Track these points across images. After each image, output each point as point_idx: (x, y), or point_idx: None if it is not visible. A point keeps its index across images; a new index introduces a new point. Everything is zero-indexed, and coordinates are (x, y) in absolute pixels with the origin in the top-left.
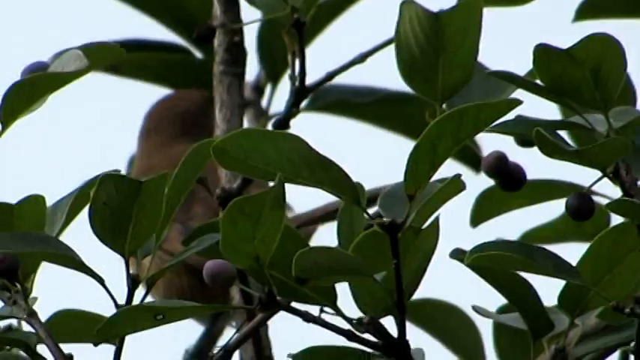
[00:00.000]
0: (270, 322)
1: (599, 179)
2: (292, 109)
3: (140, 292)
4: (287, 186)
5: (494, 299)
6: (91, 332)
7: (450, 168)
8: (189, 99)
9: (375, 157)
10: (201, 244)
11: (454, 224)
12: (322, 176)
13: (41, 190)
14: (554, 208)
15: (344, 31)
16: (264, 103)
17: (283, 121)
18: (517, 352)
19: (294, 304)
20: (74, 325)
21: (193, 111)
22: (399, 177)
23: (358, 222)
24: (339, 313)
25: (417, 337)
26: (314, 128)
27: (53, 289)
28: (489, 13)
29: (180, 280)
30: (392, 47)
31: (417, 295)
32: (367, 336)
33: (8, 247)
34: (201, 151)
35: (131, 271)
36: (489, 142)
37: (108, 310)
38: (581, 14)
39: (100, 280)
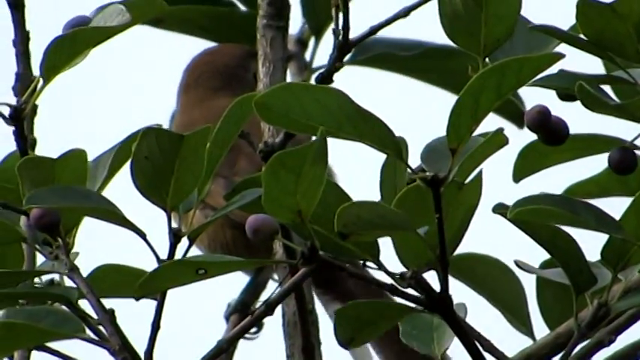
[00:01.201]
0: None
1: None
2: (335, 63)
3: (183, 246)
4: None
5: (537, 254)
6: (133, 287)
7: (493, 124)
8: (230, 53)
9: (417, 111)
10: (243, 198)
11: (497, 179)
12: (365, 130)
13: (83, 145)
14: (597, 163)
15: None
16: (307, 56)
17: (326, 76)
18: (560, 306)
19: (336, 259)
20: (116, 279)
21: (233, 65)
22: (442, 132)
23: (401, 176)
24: (381, 267)
25: (459, 291)
26: (357, 82)
27: (95, 245)
28: None
29: (224, 235)
30: (435, 1)
31: (460, 249)
32: (410, 290)
33: (50, 201)
34: (243, 105)
35: (173, 226)
36: (532, 97)
37: (150, 265)
38: None
39: (142, 235)
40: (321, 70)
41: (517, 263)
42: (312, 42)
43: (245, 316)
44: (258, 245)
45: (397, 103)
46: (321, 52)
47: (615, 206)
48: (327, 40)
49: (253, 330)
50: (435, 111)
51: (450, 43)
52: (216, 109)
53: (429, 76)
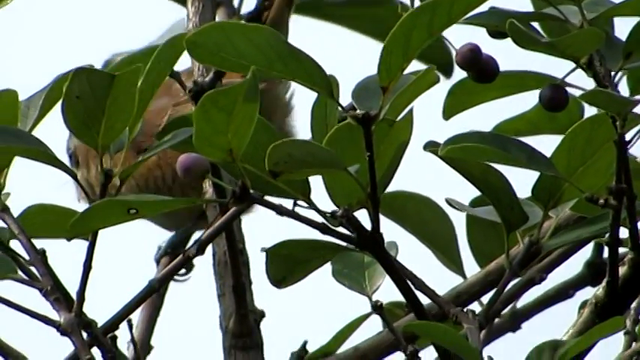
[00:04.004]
0: (243, 217)
1: (573, 70)
2: (264, 3)
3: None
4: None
5: (468, 192)
6: (65, 227)
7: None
8: None
9: (346, 59)
10: (174, 137)
11: (427, 117)
12: (296, 68)
13: (14, 86)
14: (527, 100)
15: None
16: (235, 2)
17: (255, 15)
18: (490, 244)
19: (267, 198)
20: (47, 220)
21: None
22: (372, 72)
23: (332, 115)
24: (312, 206)
25: (390, 230)
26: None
27: (26, 185)
28: None
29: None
30: None
31: (391, 188)
32: (341, 229)
33: None
34: (174, 44)
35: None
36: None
37: (81, 206)
38: None
39: (73, 175)
40: (249, 11)
41: (448, 201)
42: None
43: (175, 258)
44: (190, 184)
45: (326, 51)
46: None
47: (545, 144)
48: None
49: (184, 271)
50: (363, 59)
51: None
52: None
53: (357, 24)
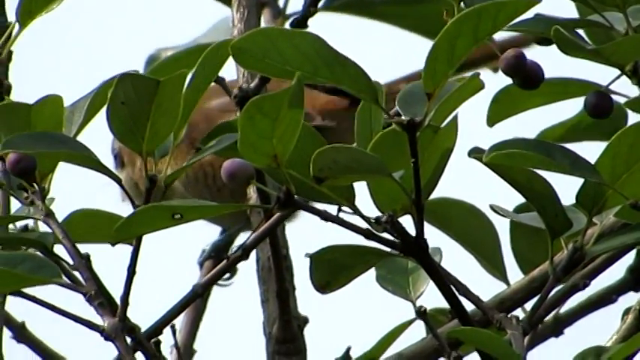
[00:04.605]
0: (287, 223)
1: (618, 77)
2: (309, 9)
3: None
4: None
5: (512, 198)
6: (109, 232)
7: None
8: None
9: (393, 57)
10: (219, 143)
11: (472, 124)
12: (341, 74)
13: (59, 91)
14: (571, 107)
15: None
16: (281, 3)
17: (301, 20)
18: (534, 251)
19: (311, 204)
20: (91, 225)
21: None
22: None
23: (377, 121)
24: (357, 212)
25: (435, 236)
26: (331, 29)
27: (71, 190)
28: None
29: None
30: None
31: (435, 194)
32: (385, 235)
33: (25, 147)
34: (219, 50)
35: (150, 171)
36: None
37: (126, 212)
38: None
39: (118, 180)
40: (296, 16)
41: (492, 207)
42: None
43: (219, 262)
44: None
45: (372, 50)
46: None
47: (589, 151)
48: None
49: (227, 276)
50: (409, 57)
51: None
52: None
53: (403, 22)
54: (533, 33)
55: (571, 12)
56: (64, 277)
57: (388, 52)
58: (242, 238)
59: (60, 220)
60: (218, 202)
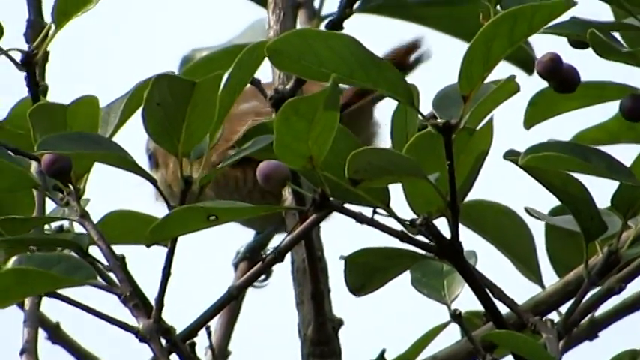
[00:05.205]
0: (322, 224)
1: None
2: (345, 10)
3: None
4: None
5: (548, 201)
6: (144, 233)
7: (504, 71)
8: None
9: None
10: (255, 144)
11: (508, 126)
12: (377, 77)
13: (95, 92)
14: (607, 110)
15: None
16: (316, 4)
17: (337, 22)
18: (569, 254)
19: (346, 206)
20: (127, 226)
21: None
22: (453, 79)
23: (412, 123)
24: (392, 214)
25: (469, 239)
26: (367, 30)
27: (106, 191)
28: None
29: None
30: None
31: (470, 196)
32: (420, 237)
33: (61, 147)
34: (255, 51)
35: (185, 173)
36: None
37: (161, 212)
38: None
39: (153, 181)
40: (331, 18)
41: (527, 210)
42: None
43: (253, 263)
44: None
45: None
46: (330, 0)
47: (625, 154)
48: None
49: (262, 278)
50: (445, 59)
51: None
52: None
53: (439, 24)
54: (568, 36)
55: (607, 15)
56: (99, 278)
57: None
58: (277, 239)
59: (95, 221)
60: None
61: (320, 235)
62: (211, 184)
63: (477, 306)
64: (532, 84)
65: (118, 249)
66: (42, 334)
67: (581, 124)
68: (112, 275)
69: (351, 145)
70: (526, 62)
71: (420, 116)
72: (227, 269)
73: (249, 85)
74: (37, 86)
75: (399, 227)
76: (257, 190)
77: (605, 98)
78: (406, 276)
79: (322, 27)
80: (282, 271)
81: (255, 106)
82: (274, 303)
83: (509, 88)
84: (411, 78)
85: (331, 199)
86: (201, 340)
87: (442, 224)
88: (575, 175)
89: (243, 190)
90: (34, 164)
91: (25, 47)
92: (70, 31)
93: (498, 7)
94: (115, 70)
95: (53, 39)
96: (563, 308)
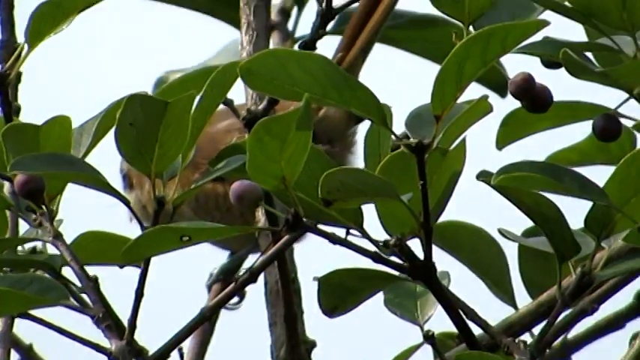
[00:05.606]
0: (295, 245)
1: (626, 100)
2: (318, 32)
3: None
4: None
5: (521, 222)
6: (117, 254)
7: (476, 93)
8: None
9: (400, 81)
10: (227, 165)
11: (481, 147)
12: (349, 97)
13: (67, 112)
14: (579, 131)
15: None
16: (290, 26)
17: (309, 43)
18: (542, 275)
19: (320, 226)
20: (100, 247)
21: None
22: (425, 100)
23: (385, 143)
24: (365, 235)
25: (443, 259)
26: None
27: (79, 212)
28: None
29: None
30: None
31: (443, 217)
32: (393, 258)
33: (34, 168)
34: (227, 71)
35: (159, 193)
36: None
37: (135, 233)
38: None
39: (126, 202)
40: (305, 38)
41: (501, 231)
42: (294, 11)
43: (227, 285)
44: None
45: (380, 73)
46: (304, 22)
47: (597, 174)
48: (310, 10)
49: (235, 300)
50: (417, 81)
51: (433, 12)
52: None
53: (412, 46)
54: (541, 55)
55: (580, 35)
56: (71, 299)
57: (396, 76)
58: (250, 260)
59: (68, 241)
60: (226, 224)
61: (293, 257)
62: (191, 202)
63: (450, 327)
64: (505, 105)
65: (91, 270)
66: (14, 355)
67: (555, 145)
68: (85, 296)
69: (324, 166)
70: (500, 86)
71: (393, 136)
72: (200, 291)
73: (222, 105)
74: (9, 106)
75: (372, 248)
76: (235, 210)
77: (578, 118)
78: (379, 297)
79: (296, 48)
80: (256, 292)
81: (233, 123)
82: (247, 324)
83: (482, 108)
84: (383, 99)
85: (304, 219)
86: None
87: (415, 245)
88: (549, 195)
89: (223, 207)
90: (6, 184)
91: None
92: (43, 51)
93: (471, 27)
94: (88, 90)
95: (26, 59)
96: (537, 330)
